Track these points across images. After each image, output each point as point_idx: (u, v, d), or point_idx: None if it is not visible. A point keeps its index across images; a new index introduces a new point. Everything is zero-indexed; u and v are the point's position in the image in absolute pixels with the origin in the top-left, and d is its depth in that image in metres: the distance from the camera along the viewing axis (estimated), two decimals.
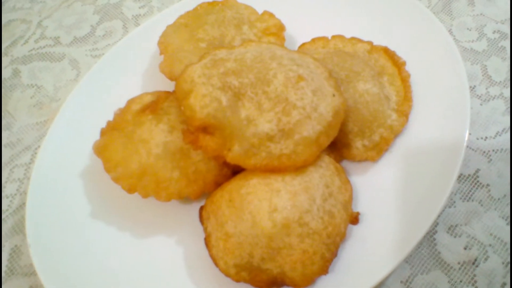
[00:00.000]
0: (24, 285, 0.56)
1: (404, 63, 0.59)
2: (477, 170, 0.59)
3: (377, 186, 0.54)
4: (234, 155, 0.48)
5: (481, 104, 0.64)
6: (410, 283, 0.52)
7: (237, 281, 0.47)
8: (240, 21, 0.63)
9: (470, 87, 0.65)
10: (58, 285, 0.50)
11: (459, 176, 0.58)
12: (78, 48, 0.79)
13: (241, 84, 0.49)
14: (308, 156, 0.48)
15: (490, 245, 0.53)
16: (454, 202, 0.56)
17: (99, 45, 0.80)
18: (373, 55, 0.61)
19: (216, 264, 0.48)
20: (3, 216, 0.62)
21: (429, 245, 0.54)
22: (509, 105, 0.63)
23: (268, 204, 0.46)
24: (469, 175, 0.58)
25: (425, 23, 0.62)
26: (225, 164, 0.51)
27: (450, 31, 0.72)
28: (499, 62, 0.68)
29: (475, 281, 0.51)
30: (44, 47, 0.80)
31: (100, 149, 0.53)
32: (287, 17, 0.65)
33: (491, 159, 0.59)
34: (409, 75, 0.59)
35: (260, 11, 0.66)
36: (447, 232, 0.55)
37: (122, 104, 0.58)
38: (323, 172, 0.49)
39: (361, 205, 0.53)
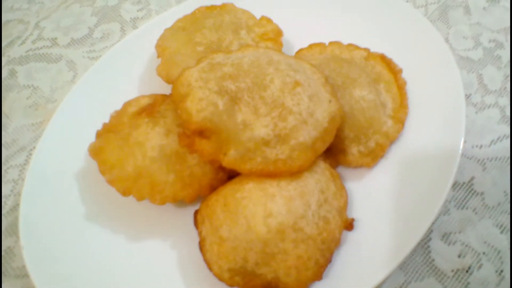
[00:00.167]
0: (17, 287, 0.56)
1: (400, 71, 0.60)
2: (472, 178, 0.59)
3: (372, 193, 0.54)
4: (230, 159, 0.48)
5: (476, 113, 0.65)
6: None
7: (231, 285, 0.47)
8: (238, 26, 0.64)
9: (466, 95, 0.65)
10: (51, 287, 0.49)
11: (454, 184, 0.58)
12: (75, 50, 0.79)
13: (238, 88, 0.49)
14: (304, 162, 0.48)
15: (484, 253, 0.53)
16: (449, 209, 0.57)
17: (96, 47, 0.79)
18: (370, 62, 0.61)
19: (210, 269, 0.48)
20: None
21: (423, 252, 0.54)
22: (504, 114, 0.64)
23: (263, 209, 0.46)
24: (463, 183, 0.59)
25: (422, 31, 0.63)
26: (221, 168, 0.51)
27: (446, 40, 0.72)
28: (494, 71, 0.69)
29: None
30: (41, 48, 0.80)
31: (96, 151, 0.53)
32: (285, 23, 0.65)
33: (485, 167, 0.60)
34: (405, 83, 0.59)
35: (258, 16, 0.66)
36: (441, 240, 0.55)
37: (118, 106, 0.58)
38: (318, 178, 0.50)
39: (356, 211, 0.53)
